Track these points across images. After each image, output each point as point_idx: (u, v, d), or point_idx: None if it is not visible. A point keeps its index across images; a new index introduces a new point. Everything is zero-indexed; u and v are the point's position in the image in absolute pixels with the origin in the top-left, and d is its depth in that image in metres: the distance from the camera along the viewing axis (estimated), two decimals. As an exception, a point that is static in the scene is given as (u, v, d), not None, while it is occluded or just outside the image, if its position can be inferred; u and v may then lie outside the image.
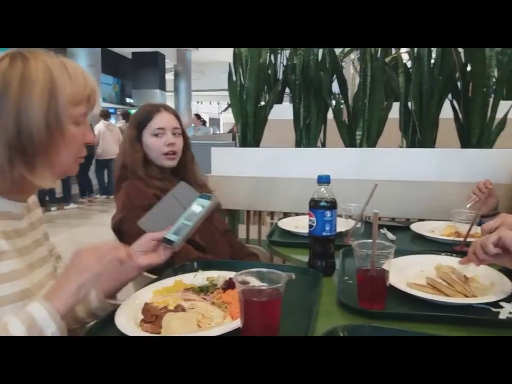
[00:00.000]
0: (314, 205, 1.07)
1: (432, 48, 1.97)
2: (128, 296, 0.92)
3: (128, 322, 0.79)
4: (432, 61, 1.99)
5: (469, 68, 1.94)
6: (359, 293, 0.90)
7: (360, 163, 2.02)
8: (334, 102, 2.12)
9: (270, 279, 0.75)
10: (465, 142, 2.00)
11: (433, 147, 2.05)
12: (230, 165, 2.17)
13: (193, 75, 16.03)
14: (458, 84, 2.00)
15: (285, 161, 2.12)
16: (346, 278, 1.04)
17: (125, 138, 1.52)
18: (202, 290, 0.94)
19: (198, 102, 20.71)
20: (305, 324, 0.79)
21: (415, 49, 1.98)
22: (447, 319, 0.82)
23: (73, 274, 0.74)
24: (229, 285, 0.91)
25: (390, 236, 1.50)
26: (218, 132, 15.34)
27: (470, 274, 1.02)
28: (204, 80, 17.54)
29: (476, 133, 1.93)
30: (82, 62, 9.22)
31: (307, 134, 2.17)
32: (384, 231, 1.56)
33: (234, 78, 2.26)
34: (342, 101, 2.14)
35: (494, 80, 1.90)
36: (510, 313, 0.83)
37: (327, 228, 1.06)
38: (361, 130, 2.07)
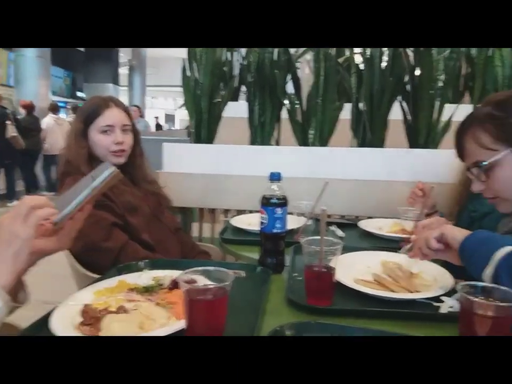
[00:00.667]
0: (266, 202, 1.06)
1: (383, 51, 2.03)
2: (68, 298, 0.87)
3: (64, 325, 0.74)
4: (384, 64, 2.05)
5: (418, 72, 2.02)
6: (307, 289, 0.90)
7: (312, 161, 2.03)
8: (288, 102, 2.13)
9: (217, 277, 0.73)
10: (413, 143, 2.08)
11: (383, 147, 2.10)
12: (183, 161, 2.13)
13: (148, 70, 15.69)
14: (408, 86, 2.06)
15: (239, 158, 2.10)
16: (295, 274, 1.04)
17: (70, 132, 1.44)
18: (147, 291, 0.90)
19: (152, 98, 20.28)
20: (252, 322, 0.77)
21: (368, 51, 2.02)
22: (391, 314, 0.84)
23: (2, 248, 0.69)
24: (175, 284, 0.88)
25: (339, 232, 1.52)
26: (173, 128, 15.11)
27: (416, 270, 1.05)
28: (159, 75, 17.20)
29: (423, 133, 2.00)
30: (30, 52, 8.75)
31: (261, 132, 2.16)
32: (333, 228, 1.58)
33: (188, 73, 2.22)
34: (297, 102, 2.16)
35: (441, 84, 1.98)
36: (451, 307, 0.85)
37: (278, 225, 1.06)
38: (314, 130, 2.09)
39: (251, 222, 1.60)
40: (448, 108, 2.01)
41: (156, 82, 17.21)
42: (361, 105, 2.08)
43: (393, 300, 0.89)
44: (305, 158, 2.04)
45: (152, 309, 0.81)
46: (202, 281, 0.75)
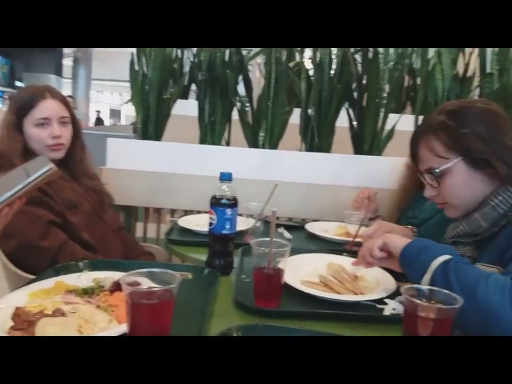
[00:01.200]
0: (215, 203, 1.04)
1: (333, 58, 2.08)
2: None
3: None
4: (333, 71, 2.10)
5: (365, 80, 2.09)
6: (255, 291, 0.89)
7: (262, 164, 2.04)
8: (239, 103, 2.12)
9: (162, 279, 0.70)
10: (358, 149, 2.14)
11: (330, 152, 2.15)
12: (128, 158, 2.05)
13: (94, 63, 15.05)
14: (355, 93, 2.13)
15: (188, 157, 2.05)
16: (243, 276, 1.03)
17: (2, 123, 1.32)
18: (87, 293, 0.85)
19: (98, 92, 19.50)
20: (199, 325, 0.75)
21: (318, 57, 2.06)
22: (336, 316, 0.85)
23: None
24: (117, 286, 0.84)
25: (287, 234, 1.53)
26: (118, 124, 14.59)
27: (359, 273, 1.08)
28: (106, 69, 16.54)
29: (368, 141, 2.07)
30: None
31: (212, 132, 2.14)
32: (281, 230, 1.59)
33: (136, 68, 2.15)
34: (248, 103, 2.15)
35: (385, 93, 2.06)
36: (393, 309, 0.88)
37: (227, 226, 1.04)
38: (264, 132, 2.09)
39: (199, 222, 1.57)
40: (392, 117, 2.10)
41: (102, 75, 16.54)
42: (310, 110, 2.11)
43: (338, 301, 0.90)
44: (255, 159, 2.04)
45: (91, 312, 0.77)
46: (146, 283, 0.72)
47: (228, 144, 2.23)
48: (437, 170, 0.94)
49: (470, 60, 2.25)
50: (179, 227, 1.53)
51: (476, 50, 2.33)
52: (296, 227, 1.69)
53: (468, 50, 2.27)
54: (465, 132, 0.92)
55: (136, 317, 0.66)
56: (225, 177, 1.05)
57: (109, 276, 0.90)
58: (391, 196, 1.78)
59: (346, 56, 2.07)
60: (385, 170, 2.00)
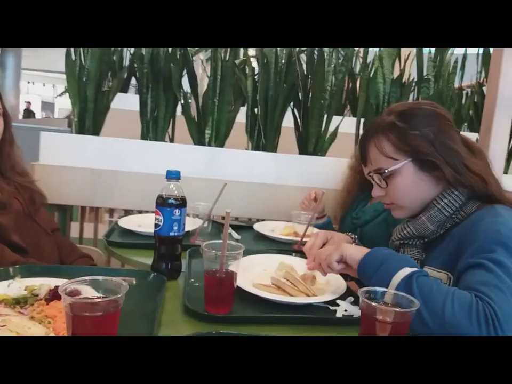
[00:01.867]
0: (162, 203, 0.98)
1: (279, 56, 2.07)
2: None
3: None
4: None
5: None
6: (206, 296, 0.85)
7: (208, 162, 1.99)
8: (183, 98, 2.05)
9: (107, 288, 0.64)
10: (303, 150, 2.16)
11: (275, 152, 2.15)
12: (63, 154, 1.91)
13: (25, 52, 14.02)
14: (300, 94, 2.14)
15: (129, 153, 1.96)
16: (192, 280, 0.98)
17: None
18: (19, 303, 0.76)
19: (29, 82, 18.22)
20: (146, 335, 0.70)
21: (265, 55, 2.05)
22: (290, 319, 0.83)
23: None
24: (54, 295, 0.76)
25: (235, 235, 1.50)
26: (51, 117, 13.73)
27: (309, 273, 1.07)
28: (38, 59, 15.50)
29: (313, 141, 2.09)
30: None
31: (154, 127, 2.05)
32: (229, 230, 1.55)
33: (73, 57, 2.01)
34: (193, 99, 2.09)
35: (329, 95, 2.09)
36: (345, 310, 0.88)
37: (175, 228, 0.99)
38: (210, 129, 2.04)
39: (141, 223, 1.49)
40: (335, 119, 2.14)
41: (33, 66, 15.47)
42: (256, 109, 2.10)
43: (292, 304, 0.88)
44: (201, 157, 1.98)
45: (24, 324, 0.69)
46: (88, 292, 0.65)
47: (171, 140, 2.16)
48: (386, 171, 0.95)
49: (405, 65, 2.36)
50: (120, 228, 1.44)
51: (413, 55, 2.45)
52: (243, 227, 1.66)
53: (404, 55, 2.37)
54: (414, 133, 0.93)
55: (78, 330, 0.59)
56: (173, 175, 1.00)
57: (44, 283, 0.82)
58: (335, 196, 1.82)
59: (291, 56, 2.07)
60: (329, 170, 2.04)
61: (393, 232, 1.07)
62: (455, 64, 2.25)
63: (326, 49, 1.99)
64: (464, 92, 2.69)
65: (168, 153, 1.98)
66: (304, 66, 2.16)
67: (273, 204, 2.01)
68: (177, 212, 0.98)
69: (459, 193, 0.92)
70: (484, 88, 2.44)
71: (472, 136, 2.43)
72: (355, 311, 0.88)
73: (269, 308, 0.87)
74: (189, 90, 2.15)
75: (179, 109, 2.11)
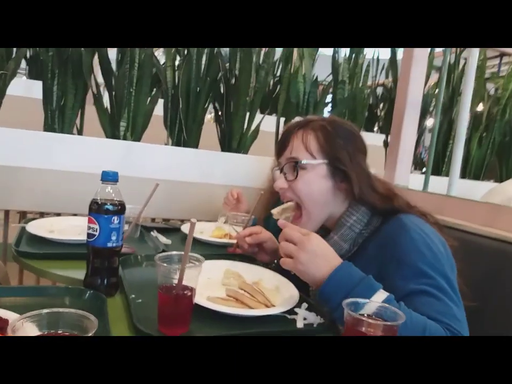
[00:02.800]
0: (98, 209, 0.85)
1: (202, 49, 1.98)
2: None
3: None
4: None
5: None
6: (160, 315, 0.75)
7: (124, 157, 1.82)
8: (95, 87, 1.85)
9: (67, 322, 0.52)
10: (225, 147, 2.10)
11: (197, 148, 2.06)
12: None
13: None
14: (222, 88, 2.07)
15: (30, 147, 1.70)
16: (133, 296, 0.87)
17: None
18: None
19: None
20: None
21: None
22: (254, 335, 0.77)
23: None
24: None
25: (164, 239, 1.39)
26: None
27: (255, 279, 1.03)
28: None
29: (237, 138, 2.04)
30: None
31: (61, 118, 1.81)
32: (155, 234, 1.43)
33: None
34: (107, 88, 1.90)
35: (253, 92, 2.05)
36: (305, 319, 0.85)
37: (113, 238, 0.86)
38: (125, 122, 1.87)
39: (54, 227, 1.31)
40: (256, 117, 2.12)
41: None
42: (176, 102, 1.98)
43: (253, 316, 0.82)
44: (116, 152, 1.81)
45: None
46: (29, 330, 0.52)
47: (80, 133, 1.93)
48: (303, 162, 0.97)
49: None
50: (28, 234, 1.24)
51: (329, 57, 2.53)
52: (169, 229, 1.55)
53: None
54: (339, 142, 0.98)
55: None
56: (109, 177, 0.87)
57: None
58: (258, 196, 1.79)
59: (213, 49, 1.99)
60: (253, 169, 2.01)
61: None
62: (367, 68, 2.37)
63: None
64: (369, 92, 2.85)
65: (77, 147, 1.77)
66: (225, 58, 2.09)
67: (197, 204, 1.92)
68: (115, 219, 0.86)
69: (365, 208, 0.97)
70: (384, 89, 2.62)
71: (379, 138, 2.61)
72: (314, 319, 0.85)
73: (228, 323, 0.80)
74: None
75: (89, 99, 1.90)
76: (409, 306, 0.79)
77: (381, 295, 0.76)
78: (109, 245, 0.86)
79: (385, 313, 0.63)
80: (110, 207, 0.85)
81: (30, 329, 0.50)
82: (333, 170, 0.98)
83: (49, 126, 1.80)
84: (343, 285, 0.78)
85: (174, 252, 0.77)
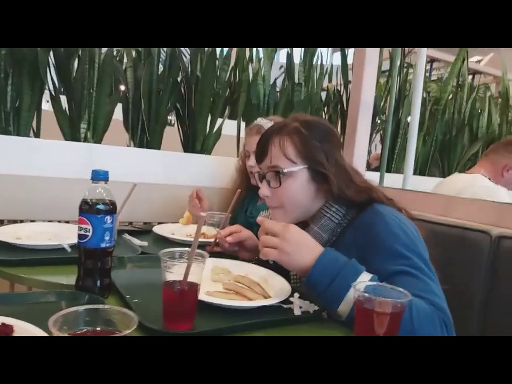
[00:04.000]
0: (89, 209, 0.83)
1: (161, 49, 1.96)
2: None
3: None
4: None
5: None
6: (165, 312, 0.75)
7: (86, 160, 1.76)
8: (52, 87, 1.77)
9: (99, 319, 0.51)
10: (188, 148, 2.09)
11: (160, 149, 2.03)
12: None
13: None
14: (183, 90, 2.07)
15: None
16: (128, 297, 0.86)
17: None
18: None
19: None
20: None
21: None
22: (256, 325, 0.80)
23: None
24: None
25: (137, 241, 1.36)
26: None
27: (242, 273, 1.05)
28: None
29: (200, 139, 2.04)
30: None
31: (16, 120, 1.72)
32: (127, 237, 1.41)
33: None
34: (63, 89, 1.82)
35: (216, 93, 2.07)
36: (301, 307, 0.88)
37: (107, 238, 0.84)
38: (86, 123, 1.81)
39: (20, 234, 1.25)
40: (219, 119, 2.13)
41: None
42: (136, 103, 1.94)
43: (254, 307, 0.84)
44: (77, 155, 1.74)
45: None
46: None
47: (36, 135, 1.84)
48: (284, 170, 0.98)
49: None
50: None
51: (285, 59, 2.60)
52: (140, 232, 1.53)
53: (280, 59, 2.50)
54: (315, 143, 0.99)
55: None
56: (101, 176, 0.85)
57: None
58: (225, 194, 1.81)
59: (174, 49, 1.98)
60: (217, 169, 2.02)
61: None
62: (321, 71, 2.47)
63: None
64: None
65: (35, 151, 1.68)
66: (186, 60, 2.09)
67: (162, 205, 1.90)
68: (108, 219, 0.84)
69: (343, 201, 1.00)
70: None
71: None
72: (309, 307, 0.89)
73: (230, 316, 0.81)
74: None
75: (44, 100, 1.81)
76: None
77: (365, 277, 0.81)
78: (103, 245, 0.84)
79: (394, 294, 0.68)
80: (102, 207, 0.84)
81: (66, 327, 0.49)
82: (313, 174, 0.99)
83: (3, 129, 1.70)
84: (329, 269, 0.83)
85: (177, 249, 0.77)
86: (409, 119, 2.70)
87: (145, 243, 1.35)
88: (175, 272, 0.74)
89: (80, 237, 0.84)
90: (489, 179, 2.11)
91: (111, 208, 0.85)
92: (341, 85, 2.61)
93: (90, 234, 0.83)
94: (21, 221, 1.59)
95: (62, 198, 1.68)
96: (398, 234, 0.90)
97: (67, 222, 1.74)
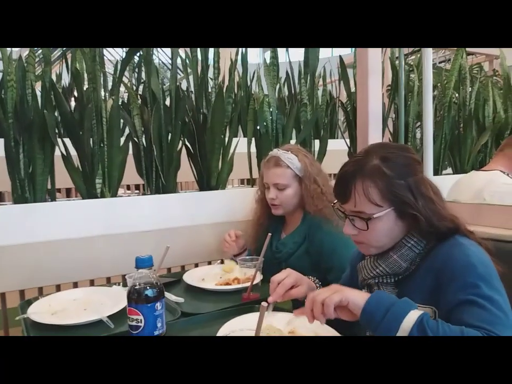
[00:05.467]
0: (138, 298, 0.82)
1: (166, 90, 1.96)
2: None
3: None
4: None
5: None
6: None
7: (105, 216, 1.75)
8: (63, 146, 1.77)
9: None
10: (203, 185, 2.08)
11: (176, 192, 2.03)
12: None
13: None
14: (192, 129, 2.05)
15: (4, 223, 1.59)
16: None
17: None
18: None
19: None
20: None
21: (151, 91, 1.90)
22: None
23: None
24: None
25: (173, 297, 1.34)
26: None
27: (290, 328, 1.03)
28: None
29: (215, 176, 2.03)
30: None
31: (31, 186, 1.71)
32: (167, 294, 1.39)
33: None
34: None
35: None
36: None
37: (159, 324, 0.83)
38: (101, 178, 1.80)
39: (54, 308, 1.26)
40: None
41: None
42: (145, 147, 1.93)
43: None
44: (96, 212, 1.73)
45: None
46: None
47: (52, 198, 1.83)
48: (375, 216, 0.95)
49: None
50: (31, 321, 1.17)
51: (283, 79, 2.58)
52: (170, 283, 1.51)
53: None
54: (400, 182, 0.94)
55: None
56: (146, 263, 0.84)
57: None
58: (245, 228, 1.79)
59: (178, 91, 1.97)
60: (235, 202, 2.01)
61: (360, 270, 1.09)
62: (324, 88, 2.45)
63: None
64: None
65: (57, 214, 1.68)
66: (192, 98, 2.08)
67: (187, 247, 1.89)
68: (158, 305, 0.83)
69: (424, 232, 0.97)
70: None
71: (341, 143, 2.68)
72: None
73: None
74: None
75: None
76: (457, 318, 0.83)
77: (417, 312, 0.81)
78: (156, 333, 0.83)
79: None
80: (151, 293, 0.83)
81: None
82: (401, 213, 0.96)
83: (19, 196, 1.69)
84: (384, 301, 0.84)
85: (238, 329, 0.75)
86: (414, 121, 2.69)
87: (181, 299, 1.32)
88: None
89: (132, 328, 0.82)
90: (508, 175, 2.09)
91: (160, 293, 0.84)
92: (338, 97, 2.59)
93: (142, 324, 0.82)
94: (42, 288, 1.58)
95: (85, 257, 1.68)
96: (474, 265, 0.88)
97: (92, 280, 1.75)
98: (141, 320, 0.81)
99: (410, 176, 0.96)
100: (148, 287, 0.82)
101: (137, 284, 0.82)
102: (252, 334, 0.73)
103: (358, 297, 0.86)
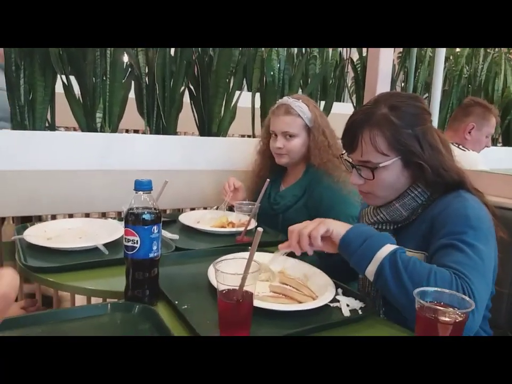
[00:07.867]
0: (135, 220, 0.82)
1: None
2: None
3: None
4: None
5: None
6: (221, 321, 0.76)
7: (104, 150, 1.73)
8: (64, 77, 1.72)
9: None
10: (204, 131, 2.06)
11: (176, 134, 2.00)
12: None
13: None
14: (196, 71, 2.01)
15: (7, 146, 1.57)
16: (177, 302, 0.87)
17: None
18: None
19: None
20: None
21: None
22: (310, 331, 0.80)
23: None
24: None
25: (168, 234, 1.35)
26: None
27: (279, 268, 1.04)
28: None
29: (217, 122, 2.00)
30: None
31: (31, 113, 1.68)
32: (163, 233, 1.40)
33: None
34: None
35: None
36: (348, 305, 0.89)
37: (154, 247, 0.84)
38: (101, 112, 1.78)
39: (49, 234, 1.26)
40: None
41: None
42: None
43: (304, 310, 0.85)
44: (95, 146, 1.71)
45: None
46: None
47: (51, 128, 1.81)
48: (379, 166, 0.95)
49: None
50: (27, 243, 1.18)
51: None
52: (166, 222, 1.52)
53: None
54: (408, 132, 0.93)
55: None
56: (144, 186, 0.84)
57: None
58: (245, 178, 1.79)
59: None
60: (234, 151, 1.99)
61: (361, 217, 1.11)
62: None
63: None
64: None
65: (55, 144, 1.66)
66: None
67: (182, 191, 1.89)
68: (155, 229, 0.84)
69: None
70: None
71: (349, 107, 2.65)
72: (355, 304, 0.89)
73: (281, 320, 0.82)
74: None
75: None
76: (437, 260, 0.86)
77: (393, 246, 0.84)
78: (151, 255, 0.84)
79: (454, 300, 0.68)
80: (149, 217, 0.83)
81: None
82: (407, 162, 0.95)
83: (18, 123, 1.67)
84: (363, 232, 0.88)
85: (230, 256, 0.77)
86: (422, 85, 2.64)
87: (176, 236, 1.34)
88: (230, 284, 0.73)
89: (128, 248, 0.83)
90: (457, 146, 2.13)
91: (157, 218, 0.84)
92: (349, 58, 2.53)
93: (138, 245, 0.82)
94: (40, 216, 1.59)
95: (81, 190, 1.67)
96: (468, 217, 0.89)
97: (87, 214, 1.75)
98: (137, 241, 0.82)
99: (418, 125, 0.95)
100: (145, 211, 0.82)
101: (135, 206, 0.83)
102: (245, 261, 0.73)
103: (340, 227, 0.89)
